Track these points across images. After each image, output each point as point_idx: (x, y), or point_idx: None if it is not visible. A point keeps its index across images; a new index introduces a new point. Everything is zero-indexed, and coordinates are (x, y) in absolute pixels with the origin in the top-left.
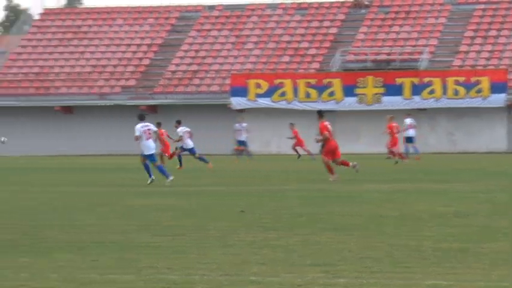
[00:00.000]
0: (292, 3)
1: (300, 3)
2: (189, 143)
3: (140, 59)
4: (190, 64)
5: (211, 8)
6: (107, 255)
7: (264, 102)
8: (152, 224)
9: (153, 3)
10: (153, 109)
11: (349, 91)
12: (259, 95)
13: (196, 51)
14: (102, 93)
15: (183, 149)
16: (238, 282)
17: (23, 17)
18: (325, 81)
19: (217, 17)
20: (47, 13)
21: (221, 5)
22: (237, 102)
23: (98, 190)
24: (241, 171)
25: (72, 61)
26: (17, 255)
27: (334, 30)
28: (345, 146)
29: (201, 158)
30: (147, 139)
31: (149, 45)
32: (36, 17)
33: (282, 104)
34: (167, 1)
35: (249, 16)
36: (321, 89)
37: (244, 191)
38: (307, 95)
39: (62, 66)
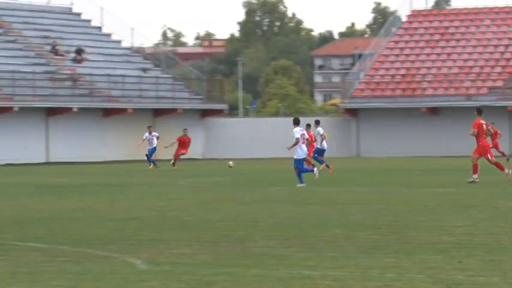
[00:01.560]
0: None
1: None
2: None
3: (508, 59)
4: None
5: None
6: (473, 257)
7: None
8: None
9: None
10: None
11: None
12: None
13: None
14: (468, 95)
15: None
16: None
17: (391, 19)
18: None
19: None
20: (415, 15)
21: None
22: None
23: (465, 191)
24: None
25: (438, 62)
26: (382, 255)
27: None
28: None
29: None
30: (303, 143)
31: None
32: (404, 19)
33: None
34: None
35: None
36: None
37: None
38: None
39: (428, 68)
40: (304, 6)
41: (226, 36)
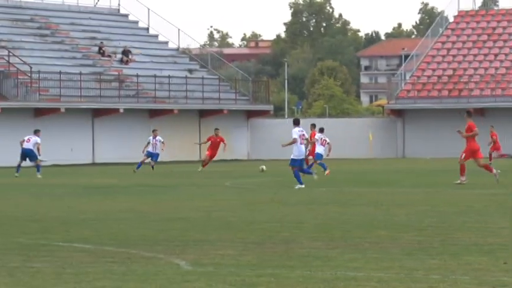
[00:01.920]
0: None
1: None
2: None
3: None
4: None
5: None
6: None
7: None
8: None
9: None
10: None
11: None
12: None
13: None
14: None
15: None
16: None
17: (438, 20)
18: None
19: None
20: (462, 15)
21: None
22: None
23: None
24: None
25: (485, 63)
26: (427, 256)
27: None
28: None
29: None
30: (301, 143)
31: None
32: (451, 20)
33: None
34: None
35: None
36: None
37: None
38: None
39: (475, 69)
40: (351, 7)
41: (272, 37)
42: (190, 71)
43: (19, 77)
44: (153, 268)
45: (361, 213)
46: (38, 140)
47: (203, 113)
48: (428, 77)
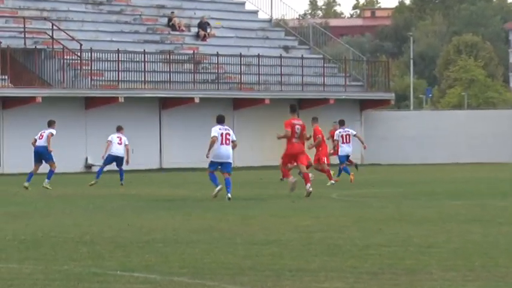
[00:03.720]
0: None
1: None
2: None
3: None
4: None
5: None
6: None
7: None
8: None
9: None
10: None
11: None
12: None
13: None
14: None
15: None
16: None
17: None
18: None
19: None
20: None
21: None
22: None
23: None
24: None
25: None
26: None
27: None
28: None
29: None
30: (226, 144)
31: None
32: None
33: None
34: None
35: None
36: None
37: None
38: None
39: None
40: None
41: (393, 4)
42: (286, 48)
43: (65, 57)
44: None
45: (510, 234)
46: (53, 131)
47: (302, 103)
48: None
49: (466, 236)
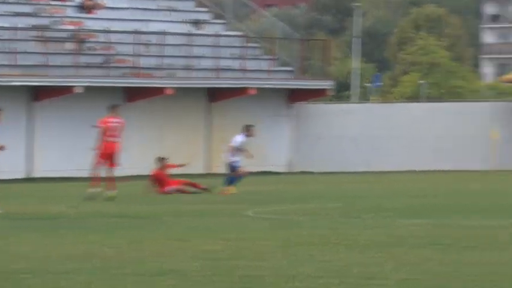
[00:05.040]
0: None
1: None
2: None
3: None
4: None
5: None
6: None
7: None
8: None
9: None
10: None
11: None
12: None
13: None
14: None
15: None
16: None
17: None
18: None
19: None
20: None
21: None
22: None
23: None
24: None
25: None
26: None
27: None
28: None
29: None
30: None
31: None
32: None
33: None
34: None
35: None
36: None
37: None
38: None
39: None
40: None
41: None
42: (197, 23)
43: None
44: None
45: (474, 262)
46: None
47: (216, 94)
48: None
49: (419, 265)
